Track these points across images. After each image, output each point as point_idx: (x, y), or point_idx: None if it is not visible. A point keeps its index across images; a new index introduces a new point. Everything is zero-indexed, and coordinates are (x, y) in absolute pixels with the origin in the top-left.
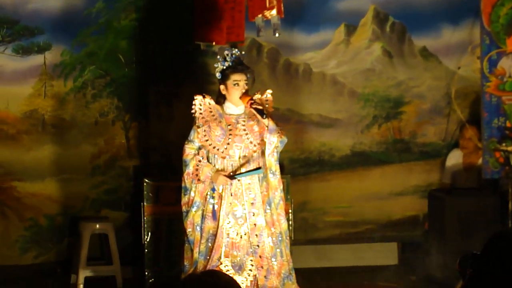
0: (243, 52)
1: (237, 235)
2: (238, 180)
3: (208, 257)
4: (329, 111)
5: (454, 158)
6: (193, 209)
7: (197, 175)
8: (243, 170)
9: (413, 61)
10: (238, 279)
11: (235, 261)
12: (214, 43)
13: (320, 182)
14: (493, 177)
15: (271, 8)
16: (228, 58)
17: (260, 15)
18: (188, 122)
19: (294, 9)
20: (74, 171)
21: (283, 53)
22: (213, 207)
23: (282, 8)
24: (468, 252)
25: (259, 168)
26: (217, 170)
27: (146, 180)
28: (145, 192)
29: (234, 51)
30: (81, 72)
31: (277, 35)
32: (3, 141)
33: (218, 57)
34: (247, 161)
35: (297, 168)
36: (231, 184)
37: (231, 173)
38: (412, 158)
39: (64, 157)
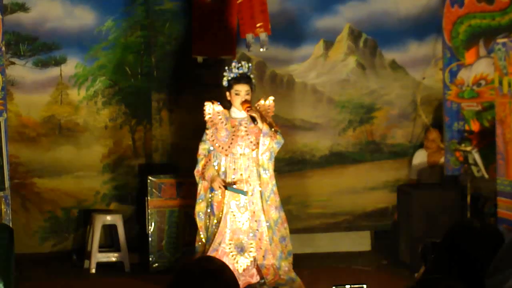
0: (249, 64)
1: (239, 222)
2: (234, 187)
3: (211, 241)
4: (310, 116)
5: (420, 157)
6: (199, 200)
7: (203, 173)
8: (234, 186)
9: (383, 73)
10: (241, 259)
11: (238, 243)
12: (209, 57)
13: (303, 178)
14: (454, 174)
15: (260, 27)
16: (234, 70)
17: (250, 33)
18: (186, 126)
19: (280, 27)
20: (87, 169)
21: (269, 65)
22: (212, 204)
23: (269, 26)
24: (429, 241)
25: (245, 192)
26: (218, 174)
27: (150, 178)
28: (149, 188)
29: (241, 63)
30: (93, 82)
31: (265, 49)
32: (25, 143)
33: (226, 67)
34: (244, 177)
35: (282, 166)
36: (225, 188)
37: (229, 182)
38: (383, 157)
39: (78, 157)
